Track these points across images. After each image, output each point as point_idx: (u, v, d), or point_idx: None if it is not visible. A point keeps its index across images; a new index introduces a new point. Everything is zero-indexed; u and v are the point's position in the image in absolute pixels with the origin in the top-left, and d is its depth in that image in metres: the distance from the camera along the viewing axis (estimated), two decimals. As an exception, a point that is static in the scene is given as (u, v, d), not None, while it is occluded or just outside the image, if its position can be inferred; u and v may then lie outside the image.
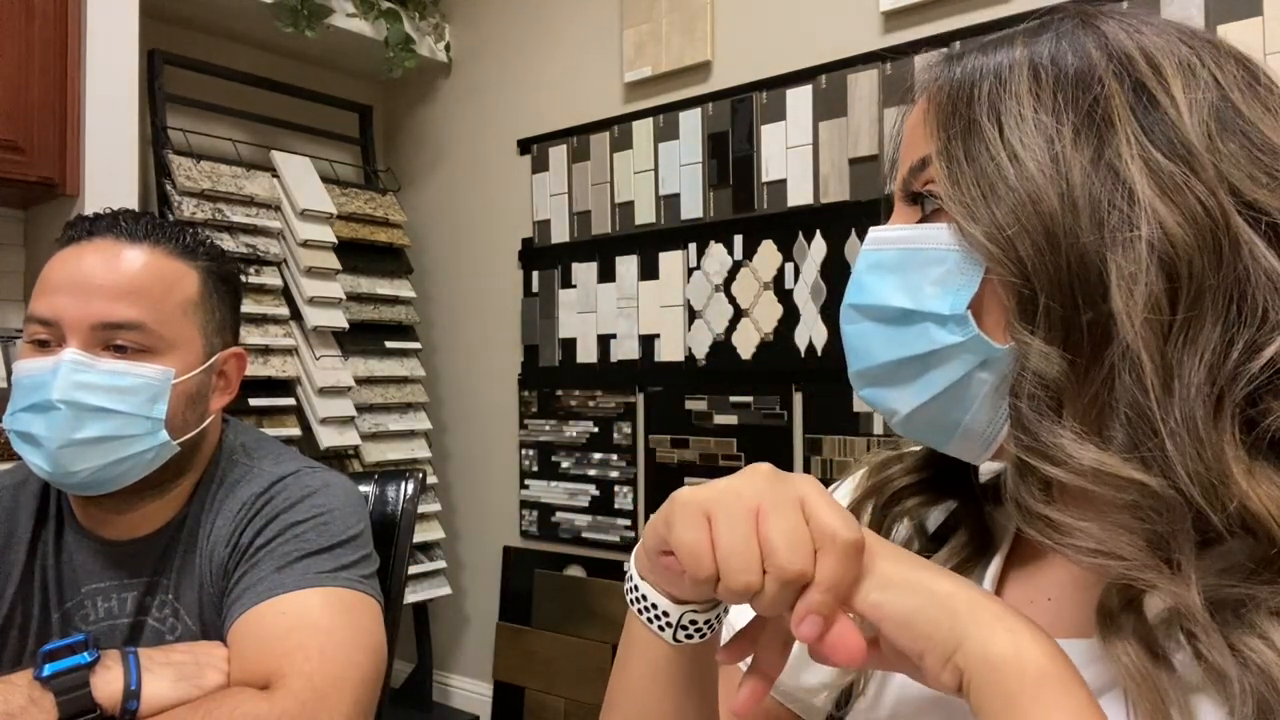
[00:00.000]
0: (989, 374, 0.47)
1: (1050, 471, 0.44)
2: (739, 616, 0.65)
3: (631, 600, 0.52)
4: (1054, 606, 0.51)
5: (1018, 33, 0.51)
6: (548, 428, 2.39)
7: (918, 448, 0.59)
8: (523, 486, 2.44)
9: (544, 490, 2.39)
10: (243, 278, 2.02)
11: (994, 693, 0.40)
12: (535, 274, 2.44)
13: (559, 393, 2.37)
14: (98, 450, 0.88)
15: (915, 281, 0.49)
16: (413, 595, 2.38)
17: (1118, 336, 0.43)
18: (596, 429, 2.29)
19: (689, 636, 0.51)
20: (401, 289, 2.52)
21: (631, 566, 0.53)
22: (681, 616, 0.51)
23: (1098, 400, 0.44)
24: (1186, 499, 0.42)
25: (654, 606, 0.51)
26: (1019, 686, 0.40)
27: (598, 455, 2.28)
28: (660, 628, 0.52)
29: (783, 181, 1.97)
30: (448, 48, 2.65)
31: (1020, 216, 0.45)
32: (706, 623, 0.51)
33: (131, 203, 1.89)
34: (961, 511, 0.57)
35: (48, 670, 0.78)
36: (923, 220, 0.50)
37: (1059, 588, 0.51)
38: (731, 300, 2.05)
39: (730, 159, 2.06)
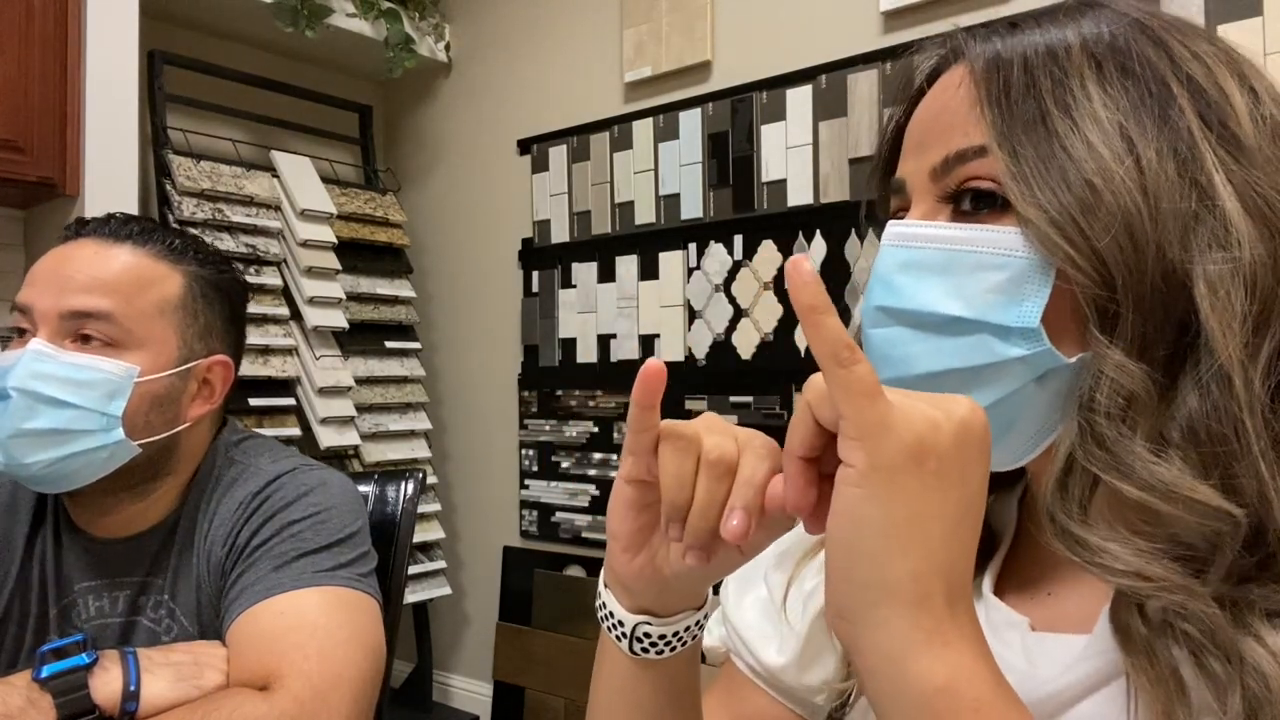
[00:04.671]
0: (1043, 388, 0.45)
1: (1119, 485, 0.42)
2: (742, 613, 0.64)
3: (598, 609, 0.52)
4: (1054, 601, 0.51)
5: (1058, 13, 0.48)
6: (548, 428, 2.39)
7: None
8: (523, 486, 2.44)
9: (544, 490, 2.39)
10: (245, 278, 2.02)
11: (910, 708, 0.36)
12: (535, 274, 2.44)
13: (559, 393, 2.37)
14: (49, 442, 0.88)
15: (968, 287, 0.45)
16: (413, 595, 2.38)
17: (1205, 357, 0.42)
18: (596, 429, 2.29)
19: (645, 650, 0.50)
20: (401, 289, 2.52)
21: (601, 579, 0.53)
22: (636, 628, 0.50)
23: (1167, 419, 0.43)
24: (1254, 520, 0.41)
25: (612, 615, 0.51)
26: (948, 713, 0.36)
27: (598, 455, 2.28)
28: (618, 637, 0.51)
29: (783, 181, 1.97)
30: (448, 48, 2.65)
31: (1108, 224, 0.43)
32: (661, 638, 0.50)
33: (131, 202, 1.89)
34: None
35: (46, 671, 0.78)
36: (961, 217, 0.47)
37: (1059, 583, 0.51)
38: (731, 300, 2.05)
39: (730, 159, 2.05)
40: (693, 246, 2.12)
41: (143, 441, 0.92)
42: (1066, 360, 0.44)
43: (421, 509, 2.40)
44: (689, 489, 0.44)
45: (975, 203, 0.47)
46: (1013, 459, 0.49)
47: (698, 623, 0.52)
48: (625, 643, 0.51)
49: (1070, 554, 0.44)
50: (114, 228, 0.94)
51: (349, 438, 2.30)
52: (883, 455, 0.36)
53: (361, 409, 2.35)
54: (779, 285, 1.97)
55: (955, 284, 0.46)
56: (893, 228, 0.49)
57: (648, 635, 0.50)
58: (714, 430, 0.45)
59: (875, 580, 0.36)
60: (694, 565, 0.45)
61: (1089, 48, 0.46)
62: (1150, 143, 0.44)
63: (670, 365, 2.17)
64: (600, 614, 0.52)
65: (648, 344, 2.20)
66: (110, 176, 1.87)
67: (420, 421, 2.51)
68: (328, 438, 2.25)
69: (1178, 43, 0.46)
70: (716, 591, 0.67)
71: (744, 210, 2.03)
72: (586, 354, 2.32)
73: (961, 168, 0.47)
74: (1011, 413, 0.46)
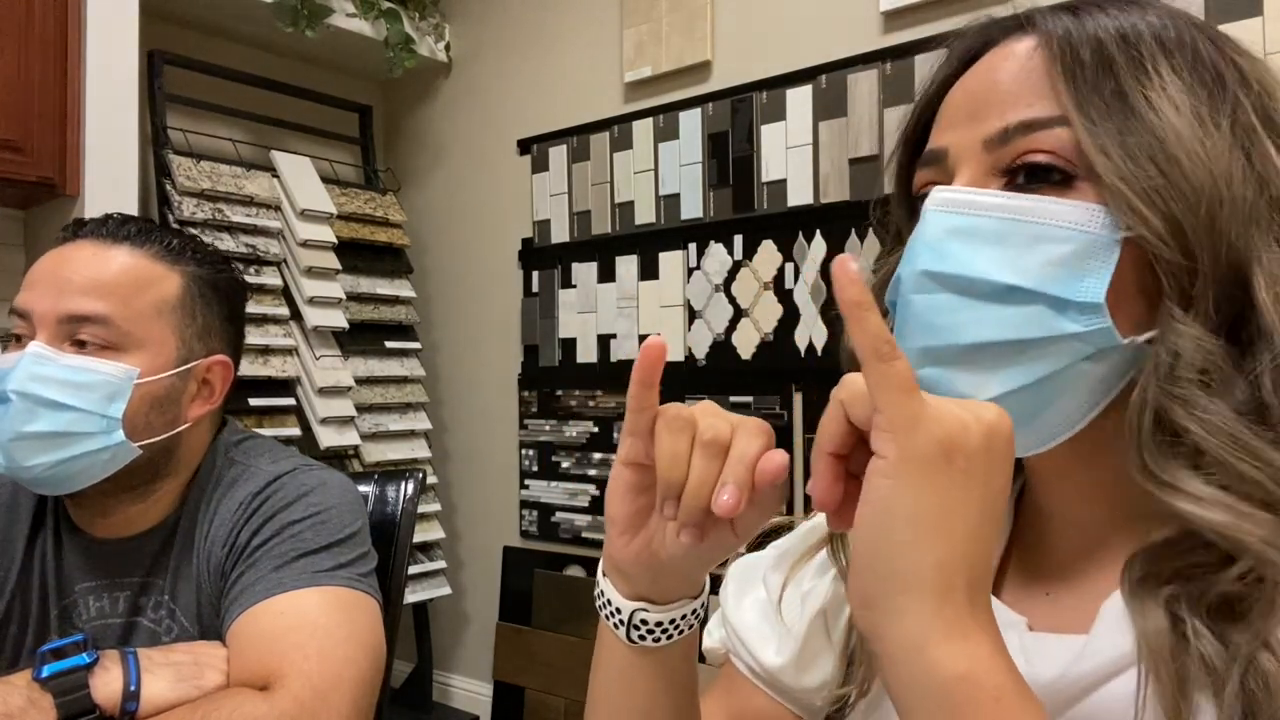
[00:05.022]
0: (1094, 366, 0.45)
1: (1201, 438, 0.42)
2: (741, 614, 0.64)
3: (596, 597, 0.53)
4: (1052, 602, 0.51)
5: (1109, 4, 0.49)
6: (548, 428, 2.39)
7: None
8: (523, 486, 2.44)
9: (544, 490, 2.39)
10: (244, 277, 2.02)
11: (936, 703, 0.37)
12: (535, 274, 2.44)
13: (559, 393, 2.37)
14: (49, 445, 0.88)
15: (1027, 258, 0.45)
16: (413, 595, 2.38)
17: (1262, 345, 0.42)
18: (596, 429, 2.29)
19: (642, 638, 0.51)
20: (401, 289, 2.52)
21: (599, 568, 0.54)
22: (633, 614, 0.51)
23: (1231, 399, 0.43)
24: None
25: (610, 603, 0.52)
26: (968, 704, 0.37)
27: (598, 455, 2.28)
28: (615, 625, 0.52)
29: (783, 181, 1.97)
30: (448, 48, 2.65)
31: (1193, 201, 0.43)
32: (658, 624, 0.51)
33: (131, 202, 1.89)
34: None
35: (46, 671, 0.78)
36: (1015, 190, 0.47)
37: (1057, 584, 0.51)
38: (731, 300, 2.05)
39: (730, 159, 2.05)
40: (693, 246, 2.12)
41: (143, 443, 0.92)
42: (1121, 340, 0.44)
43: (421, 509, 2.40)
44: (683, 467, 0.45)
45: (1030, 176, 0.46)
46: (1040, 442, 0.47)
47: (694, 611, 0.52)
48: (623, 630, 0.51)
49: (1161, 494, 0.43)
50: (111, 228, 0.94)
51: (349, 438, 2.30)
52: (914, 448, 0.37)
53: (361, 409, 2.35)
54: (779, 285, 1.97)
55: (1012, 254, 0.45)
56: (940, 193, 0.48)
57: (645, 623, 0.51)
58: (709, 413, 0.46)
59: (901, 569, 0.37)
60: (688, 543, 0.46)
61: (1158, 35, 0.46)
62: (1224, 134, 0.44)
63: (670, 365, 2.18)
64: (598, 603, 0.53)
65: (648, 344, 2.19)
66: (110, 176, 1.87)
67: (420, 421, 2.51)
68: (328, 438, 2.25)
69: (1224, 42, 0.47)
70: (716, 592, 0.67)
71: (744, 210, 2.03)
72: (586, 354, 2.32)
73: (1023, 139, 0.46)
74: (1053, 392, 0.46)
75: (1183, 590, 0.42)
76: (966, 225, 0.46)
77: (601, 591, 0.53)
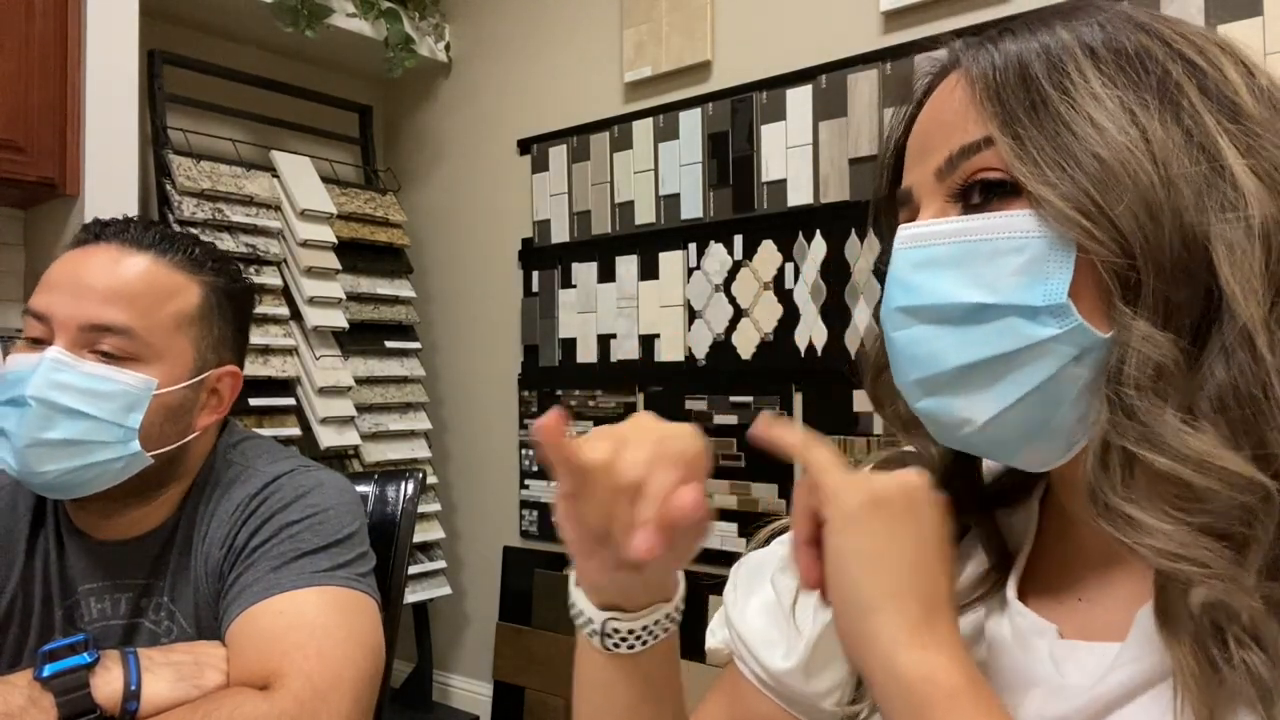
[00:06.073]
0: (1084, 367, 0.44)
1: (1151, 458, 0.41)
2: (746, 619, 0.64)
3: (570, 608, 0.54)
4: (1085, 608, 0.50)
5: (1048, 14, 0.49)
6: (548, 428, 2.38)
7: (921, 450, 0.56)
8: (523, 486, 2.44)
9: (544, 490, 2.39)
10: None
11: (902, 705, 0.43)
12: (535, 274, 2.44)
13: (559, 393, 2.37)
14: (65, 453, 0.87)
15: (988, 274, 0.45)
16: (413, 595, 2.38)
17: (1228, 320, 0.42)
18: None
19: (615, 645, 0.52)
20: (401, 289, 2.52)
21: (571, 578, 0.54)
22: (605, 624, 0.52)
23: (1197, 389, 0.42)
24: None
25: (582, 613, 0.53)
26: (928, 703, 0.42)
27: (598, 455, 2.28)
28: (590, 634, 0.53)
29: (783, 181, 1.97)
30: (448, 48, 2.65)
31: (1121, 195, 0.43)
32: (631, 632, 0.52)
33: (131, 202, 1.89)
34: (973, 521, 0.56)
35: (47, 670, 0.78)
36: (971, 210, 0.47)
37: (1090, 589, 0.50)
38: (731, 300, 2.05)
39: (730, 159, 2.05)
40: (693, 246, 2.12)
41: (155, 452, 0.91)
42: (1102, 335, 0.44)
43: (421, 509, 2.40)
44: (606, 519, 0.46)
45: (985, 194, 0.47)
46: (1061, 452, 0.47)
47: (667, 616, 0.53)
48: (597, 639, 0.52)
49: (1117, 534, 0.43)
50: (134, 234, 0.93)
51: (349, 438, 2.30)
52: (847, 506, 0.46)
53: (361, 409, 2.35)
54: (779, 285, 1.97)
55: (975, 274, 0.46)
56: (903, 230, 0.49)
57: (617, 630, 0.52)
58: (635, 442, 0.46)
59: (861, 599, 0.45)
60: (640, 568, 0.48)
61: (1082, 39, 0.47)
62: (1153, 115, 0.44)
63: (670, 365, 2.19)
64: (572, 613, 0.54)
65: (648, 344, 2.20)
66: (110, 176, 1.87)
67: (420, 421, 2.51)
68: (328, 438, 2.25)
69: (1168, 28, 0.47)
70: (718, 592, 0.67)
71: (744, 210, 2.03)
72: (586, 354, 2.32)
73: (966, 162, 0.47)
74: (1054, 399, 0.45)
75: (1222, 596, 0.41)
76: (928, 256, 0.48)
77: (574, 602, 0.53)
